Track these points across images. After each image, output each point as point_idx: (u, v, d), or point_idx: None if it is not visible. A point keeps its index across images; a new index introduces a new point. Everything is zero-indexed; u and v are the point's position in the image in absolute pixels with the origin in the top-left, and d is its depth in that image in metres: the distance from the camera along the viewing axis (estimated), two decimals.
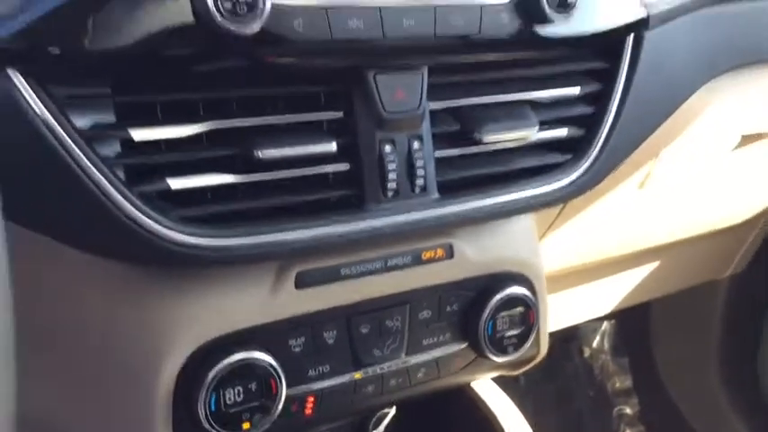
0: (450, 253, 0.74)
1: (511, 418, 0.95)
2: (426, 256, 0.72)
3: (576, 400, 1.78)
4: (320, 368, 0.70)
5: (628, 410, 1.82)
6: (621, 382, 1.83)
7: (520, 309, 0.77)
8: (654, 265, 1.39)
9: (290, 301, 0.67)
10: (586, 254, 1.12)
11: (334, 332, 0.70)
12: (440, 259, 0.73)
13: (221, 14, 0.52)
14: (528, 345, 0.79)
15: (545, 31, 0.66)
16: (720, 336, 1.68)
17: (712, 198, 1.17)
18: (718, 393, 1.69)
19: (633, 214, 1.04)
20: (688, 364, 1.73)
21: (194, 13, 0.53)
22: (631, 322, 1.75)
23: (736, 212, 1.28)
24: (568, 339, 1.77)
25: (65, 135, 0.52)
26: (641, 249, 1.23)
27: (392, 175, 0.64)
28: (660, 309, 1.69)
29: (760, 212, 1.32)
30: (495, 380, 0.98)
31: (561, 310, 1.26)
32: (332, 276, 0.68)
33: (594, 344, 1.83)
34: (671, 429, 1.78)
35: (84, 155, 0.53)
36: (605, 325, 1.82)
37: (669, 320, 1.74)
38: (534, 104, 0.72)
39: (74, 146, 0.52)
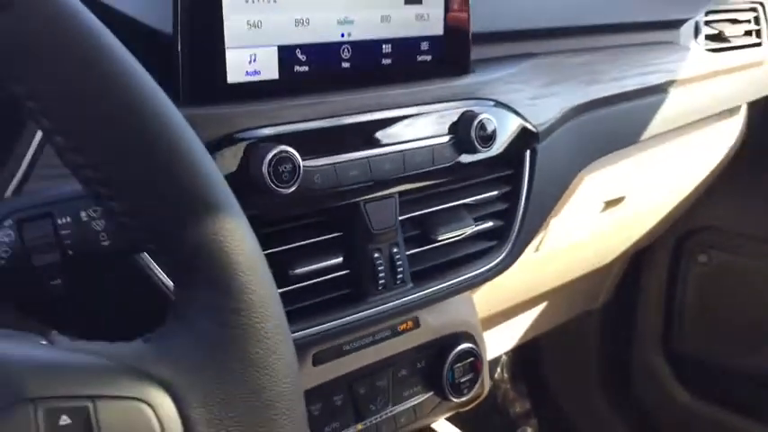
0: (417, 323, 0.95)
1: None
2: (401, 328, 0.94)
3: (487, 424, 2.02)
4: (333, 424, 0.89)
5: (530, 430, 2.08)
6: (522, 406, 2.08)
7: (470, 359, 1.00)
8: (544, 304, 1.67)
9: (309, 376, 0.86)
10: (495, 305, 1.38)
11: (341, 396, 0.90)
12: (410, 329, 0.95)
13: (272, 180, 0.72)
14: (477, 386, 1.02)
15: (474, 157, 0.89)
16: (598, 355, 1.99)
17: (587, 247, 1.47)
18: (602, 405, 1.98)
19: (530, 270, 1.31)
20: (575, 382, 2.02)
21: (250, 179, 0.71)
22: (525, 353, 2.01)
23: (603, 257, 1.60)
24: None
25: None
26: (535, 294, 1.51)
27: (381, 275, 0.84)
28: (547, 339, 1.97)
29: (617, 256, 1.66)
30: None
31: None
32: (338, 353, 0.88)
33: (496, 375, 2.08)
34: None
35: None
36: (503, 358, 2.08)
37: (556, 348, 2.02)
38: (468, 206, 0.95)
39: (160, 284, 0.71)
